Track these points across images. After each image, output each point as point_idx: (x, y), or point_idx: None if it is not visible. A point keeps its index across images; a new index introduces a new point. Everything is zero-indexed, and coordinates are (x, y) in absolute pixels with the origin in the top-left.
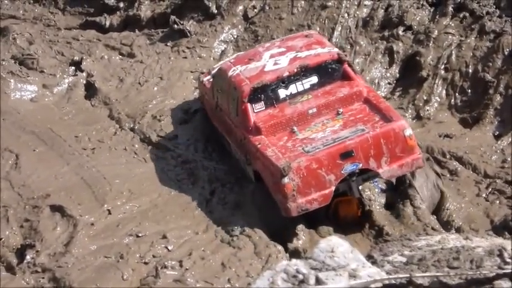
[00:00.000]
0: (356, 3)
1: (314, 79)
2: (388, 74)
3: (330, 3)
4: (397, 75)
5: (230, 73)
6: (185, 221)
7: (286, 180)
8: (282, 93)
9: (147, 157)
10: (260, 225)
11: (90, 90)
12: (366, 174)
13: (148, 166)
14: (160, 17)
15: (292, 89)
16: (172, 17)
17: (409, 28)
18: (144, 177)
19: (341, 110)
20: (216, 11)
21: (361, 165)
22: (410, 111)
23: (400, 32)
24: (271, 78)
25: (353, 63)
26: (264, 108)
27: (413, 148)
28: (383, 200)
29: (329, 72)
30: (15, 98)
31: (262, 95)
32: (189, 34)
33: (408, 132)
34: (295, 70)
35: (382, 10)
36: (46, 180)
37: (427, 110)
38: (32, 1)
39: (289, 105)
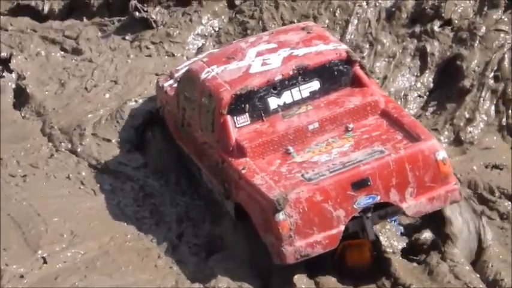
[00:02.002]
0: None
1: (315, 85)
2: (419, 84)
3: None
4: (431, 85)
5: (203, 76)
6: (146, 274)
7: (281, 216)
8: (273, 102)
9: (97, 188)
10: (247, 274)
11: (21, 97)
12: (384, 210)
13: (97, 200)
14: (116, 1)
15: (287, 97)
16: (133, 2)
17: (447, 23)
18: (92, 215)
19: (351, 125)
20: None
21: (379, 197)
22: (447, 133)
23: (436, 28)
24: (259, 82)
25: (366, 65)
26: (249, 122)
27: (447, 176)
28: (403, 245)
29: (335, 75)
30: None
31: (247, 105)
32: (154, 25)
33: (442, 155)
34: (291, 73)
35: None
36: None
37: (470, 132)
38: None
39: (282, 119)
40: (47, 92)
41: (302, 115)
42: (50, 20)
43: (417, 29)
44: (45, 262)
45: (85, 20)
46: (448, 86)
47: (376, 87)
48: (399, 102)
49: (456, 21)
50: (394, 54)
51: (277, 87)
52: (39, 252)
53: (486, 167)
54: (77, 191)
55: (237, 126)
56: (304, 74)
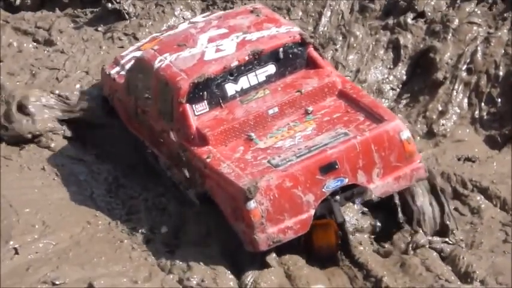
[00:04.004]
0: None
1: (271, 68)
2: (392, 76)
3: None
4: (404, 77)
5: (156, 65)
6: (119, 265)
7: (252, 205)
8: (231, 89)
9: (71, 180)
10: (223, 261)
11: None
12: (350, 192)
13: (69, 191)
14: None
15: (243, 82)
16: None
17: (420, 15)
18: (63, 205)
19: (311, 108)
20: None
21: (347, 180)
22: (420, 125)
23: (409, 21)
24: (216, 69)
25: (319, 46)
26: (207, 109)
27: (412, 155)
28: (368, 224)
29: (290, 58)
30: None
31: (205, 93)
32: (127, 16)
33: (406, 134)
34: (247, 58)
35: None
36: None
37: (443, 125)
38: None
39: (240, 105)
40: (17, 83)
41: (260, 100)
42: (22, 11)
43: (390, 21)
44: (16, 253)
45: (57, 11)
46: (421, 79)
47: (331, 68)
48: (372, 95)
49: (429, 14)
50: (367, 46)
51: (234, 73)
52: (11, 243)
53: (459, 159)
54: (51, 183)
55: (196, 114)
56: (259, 58)
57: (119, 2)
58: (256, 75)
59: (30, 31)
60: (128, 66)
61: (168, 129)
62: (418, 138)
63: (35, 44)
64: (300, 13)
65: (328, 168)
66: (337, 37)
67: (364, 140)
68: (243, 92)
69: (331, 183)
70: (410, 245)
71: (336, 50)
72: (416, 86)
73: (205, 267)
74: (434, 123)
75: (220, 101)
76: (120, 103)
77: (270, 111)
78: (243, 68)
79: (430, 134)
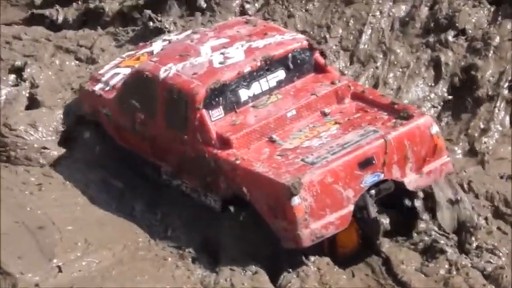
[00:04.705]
0: None
1: (281, 74)
2: (433, 94)
3: None
4: (445, 95)
5: (162, 75)
6: (162, 283)
7: (296, 200)
8: (244, 94)
9: (113, 196)
10: (266, 278)
11: (33, 106)
12: (378, 188)
13: (111, 208)
14: (130, 11)
15: (256, 88)
16: (147, 12)
17: (461, 33)
18: (105, 223)
19: (328, 110)
20: (204, 5)
21: (383, 175)
22: (462, 143)
23: (450, 38)
24: (231, 75)
25: (326, 52)
26: (223, 115)
27: (441, 149)
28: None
29: (298, 64)
30: None
31: (220, 98)
32: None
33: (435, 129)
34: (259, 64)
35: (427, 8)
36: None
37: (485, 143)
38: None
39: (255, 109)
40: (59, 100)
41: (275, 104)
42: (64, 29)
43: (431, 38)
44: (60, 271)
45: (99, 29)
46: (462, 97)
47: (337, 72)
48: None
49: (470, 31)
50: (407, 64)
51: (247, 78)
52: (54, 261)
53: (501, 177)
54: (92, 199)
55: (213, 119)
56: (270, 64)
57: (160, 21)
58: (267, 80)
59: (72, 49)
60: (113, 82)
61: (180, 137)
62: (460, 156)
63: (77, 61)
64: (340, 30)
65: (366, 163)
66: (377, 55)
67: (398, 135)
68: (255, 97)
69: (369, 178)
70: (453, 265)
71: (377, 67)
72: (458, 104)
73: (248, 286)
74: (476, 141)
75: (235, 106)
76: (109, 118)
77: (289, 114)
78: (255, 73)
79: (472, 152)
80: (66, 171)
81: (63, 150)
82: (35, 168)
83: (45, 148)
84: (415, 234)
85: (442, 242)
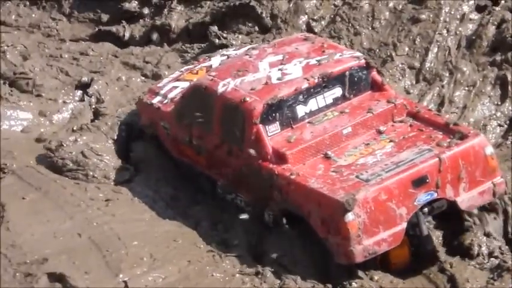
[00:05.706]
0: (458, 16)
1: (338, 91)
2: (500, 113)
3: (423, 16)
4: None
5: (220, 89)
6: None
7: (350, 217)
8: (301, 110)
9: (179, 212)
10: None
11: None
12: (431, 206)
13: (175, 223)
14: (196, 27)
15: (312, 104)
16: (213, 28)
17: None
18: (169, 238)
19: (383, 128)
20: (270, 22)
21: (436, 194)
22: None
23: None
24: (289, 91)
25: (382, 73)
26: (279, 130)
27: (495, 170)
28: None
29: (355, 82)
30: (2, 128)
31: (277, 114)
32: None
33: (489, 150)
34: (316, 81)
35: (494, 27)
36: (42, 240)
37: None
38: (28, 3)
39: (312, 126)
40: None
41: (331, 121)
42: (130, 46)
43: (498, 57)
44: (126, 286)
45: (165, 46)
46: None
47: (392, 90)
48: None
49: None
50: (474, 82)
51: (304, 95)
52: (120, 275)
53: None
54: (158, 214)
55: (269, 135)
56: (327, 81)
57: (226, 37)
58: (324, 97)
59: (138, 65)
60: (171, 95)
61: (236, 151)
62: None
63: (142, 78)
64: (407, 49)
65: (420, 182)
66: (443, 73)
67: (452, 154)
68: (312, 114)
69: (422, 197)
70: None
71: (443, 86)
72: None
73: None
74: None
75: (291, 122)
76: (167, 131)
77: (344, 131)
78: (312, 90)
79: None
80: (137, 187)
81: (136, 167)
82: (106, 185)
83: (121, 166)
84: (482, 253)
85: (510, 262)
